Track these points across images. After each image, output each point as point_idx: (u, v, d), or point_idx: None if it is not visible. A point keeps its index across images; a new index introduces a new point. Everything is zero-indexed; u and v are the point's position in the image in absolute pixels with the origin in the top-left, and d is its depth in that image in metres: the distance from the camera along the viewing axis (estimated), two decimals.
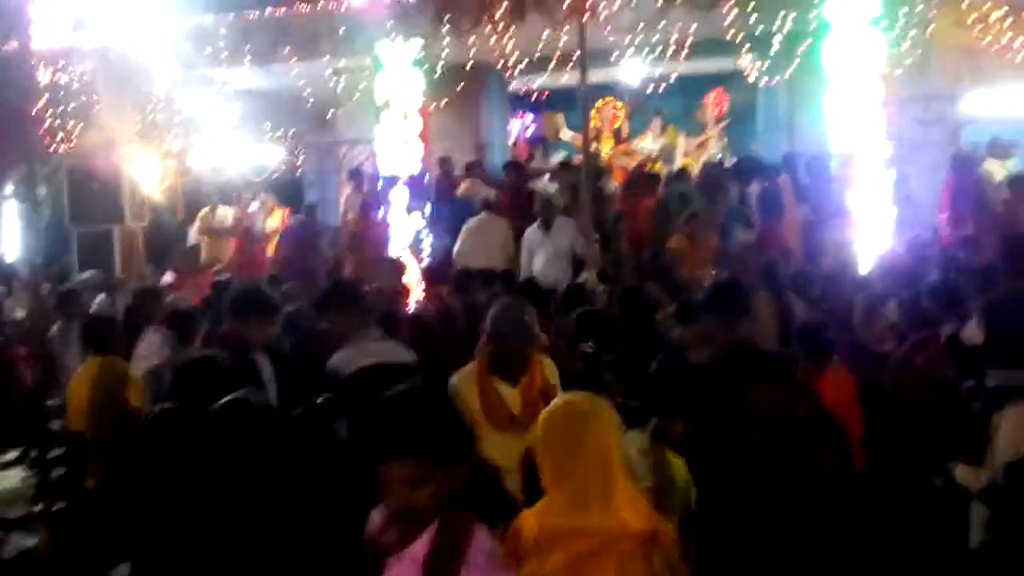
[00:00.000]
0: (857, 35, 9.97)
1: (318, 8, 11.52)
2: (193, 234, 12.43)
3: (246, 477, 3.24)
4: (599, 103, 16.58)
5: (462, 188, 11.43)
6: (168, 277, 9.68)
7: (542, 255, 8.93)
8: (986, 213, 9.65)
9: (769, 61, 11.66)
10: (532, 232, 9.09)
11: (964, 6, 10.08)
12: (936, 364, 4.50)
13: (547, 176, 12.26)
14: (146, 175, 12.46)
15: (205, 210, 12.25)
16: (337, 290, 5.06)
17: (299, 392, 4.62)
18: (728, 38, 10.87)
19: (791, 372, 4.07)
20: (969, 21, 10.22)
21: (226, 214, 12.27)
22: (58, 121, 12.11)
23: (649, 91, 14.51)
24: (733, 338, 4.38)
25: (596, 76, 13.30)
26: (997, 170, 10.56)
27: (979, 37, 10.21)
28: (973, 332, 4.21)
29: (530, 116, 16.74)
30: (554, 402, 2.57)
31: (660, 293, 6.81)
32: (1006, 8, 9.97)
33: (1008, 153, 11.01)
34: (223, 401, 3.44)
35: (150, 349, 6.31)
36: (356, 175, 11.68)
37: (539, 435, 2.45)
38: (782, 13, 10.34)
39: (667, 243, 8.92)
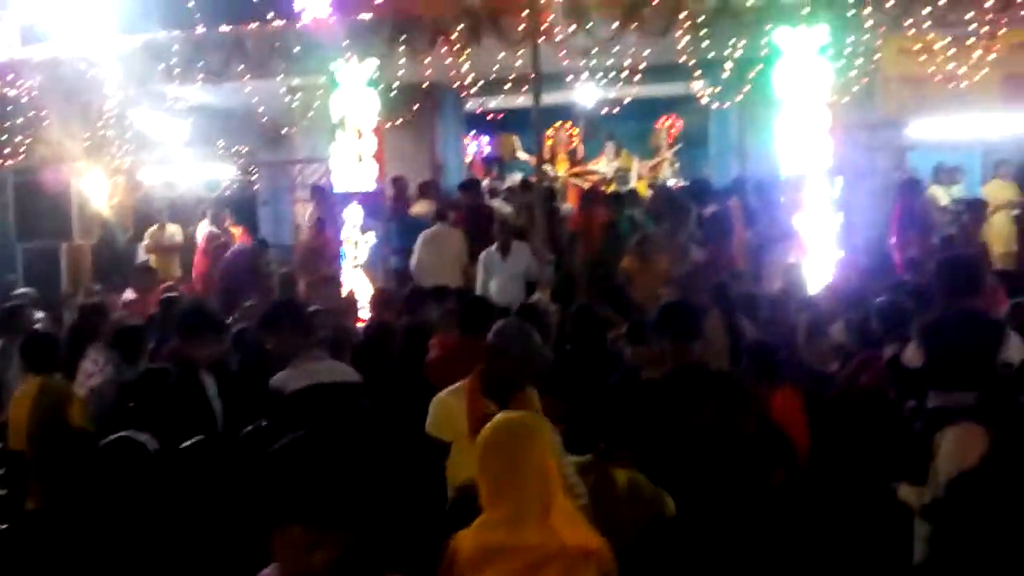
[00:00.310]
0: (806, 63, 10.22)
1: (272, 26, 11.46)
2: (142, 251, 12.25)
3: (139, 507, 3.18)
4: (555, 125, 16.72)
5: (416, 207, 11.41)
6: (129, 294, 9.53)
7: (499, 278, 8.92)
8: (931, 236, 9.89)
9: (720, 86, 11.88)
10: (489, 255, 9.07)
11: (909, 35, 10.33)
12: (879, 385, 4.57)
13: (501, 196, 12.29)
14: (95, 191, 12.27)
15: (154, 227, 12.08)
16: (280, 310, 5.02)
17: (244, 411, 4.59)
18: (681, 63, 11.06)
19: (741, 391, 4.13)
20: (915, 49, 10.48)
21: (175, 231, 12.12)
22: (4, 136, 11.91)
23: (603, 114, 14.69)
24: (684, 359, 4.42)
25: (551, 98, 13.40)
26: (941, 195, 10.84)
27: (924, 66, 10.48)
28: (912, 354, 4.29)
29: (486, 137, 16.81)
30: (493, 420, 2.55)
31: (612, 313, 6.87)
32: (949, 38, 10.25)
33: (952, 179, 11.32)
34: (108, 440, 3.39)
35: (94, 367, 6.18)
36: (317, 192, 11.60)
37: (478, 453, 2.43)
38: (733, 40, 10.50)
39: (619, 264, 8.99)
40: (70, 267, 11.78)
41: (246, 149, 13.58)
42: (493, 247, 8.96)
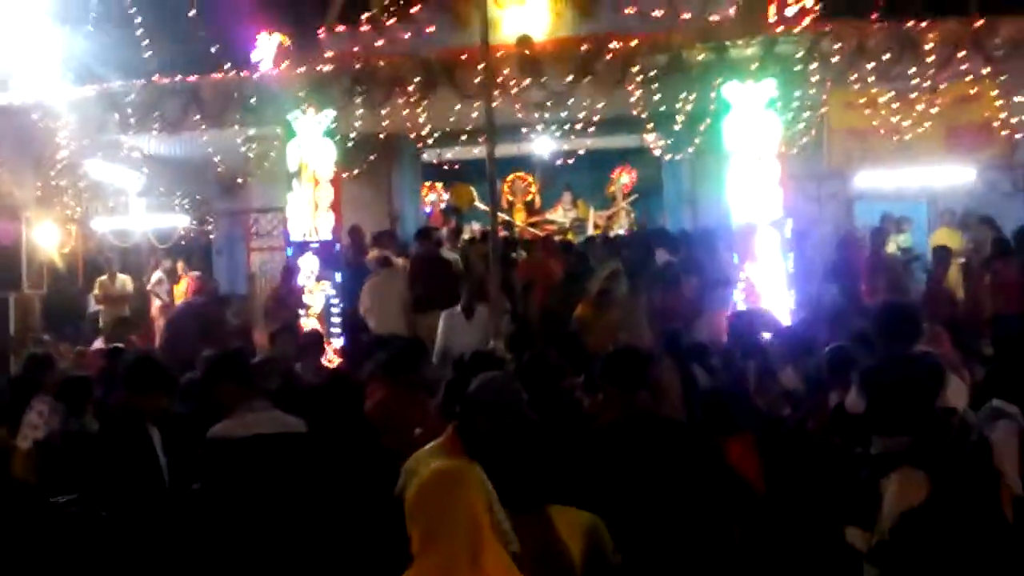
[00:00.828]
0: (755, 116, 10.47)
1: (229, 76, 11.48)
2: (91, 301, 12.09)
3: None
4: (511, 176, 16.91)
5: (371, 255, 11.40)
6: (99, 343, 9.39)
7: (461, 341, 8.72)
8: (878, 284, 10.07)
9: (672, 139, 12.11)
10: (453, 316, 8.85)
11: (854, 89, 10.63)
12: (825, 430, 4.63)
13: (453, 245, 12.27)
14: (46, 241, 12.11)
15: (103, 277, 11.92)
16: (222, 361, 4.97)
17: (188, 463, 4.52)
18: (634, 116, 11.26)
19: (692, 439, 4.15)
20: (860, 103, 10.79)
21: (125, 281, 11.98)
22: None
23: (560, 165, 14.89)
24: (631, 407, 4.42)
25: (507, 150, 13.64)
26: (888, 244, 11.07)
27: (869, 119, 10.78)
28: (853, 400, 4.35)
29: (441, 186, 16.93)
30: (425, 470, 2.53)
31: (565, 363, 6.87)
32: (893, 93, 10.57)
33: (900, 228, 11.59)
34: None
35: (38, 419, 6.06)
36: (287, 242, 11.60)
37: (409, 503, 2.41)
38: (684, 94, 10.73)
39: (575, 312, 9.01)
40: (19, 317, 11.55)
41: (201, 199, 13.50)
42: (457, 308, 8.82)
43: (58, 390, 6.27)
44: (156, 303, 12.87)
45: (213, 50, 11.58)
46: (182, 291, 12.66)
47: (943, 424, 3.98)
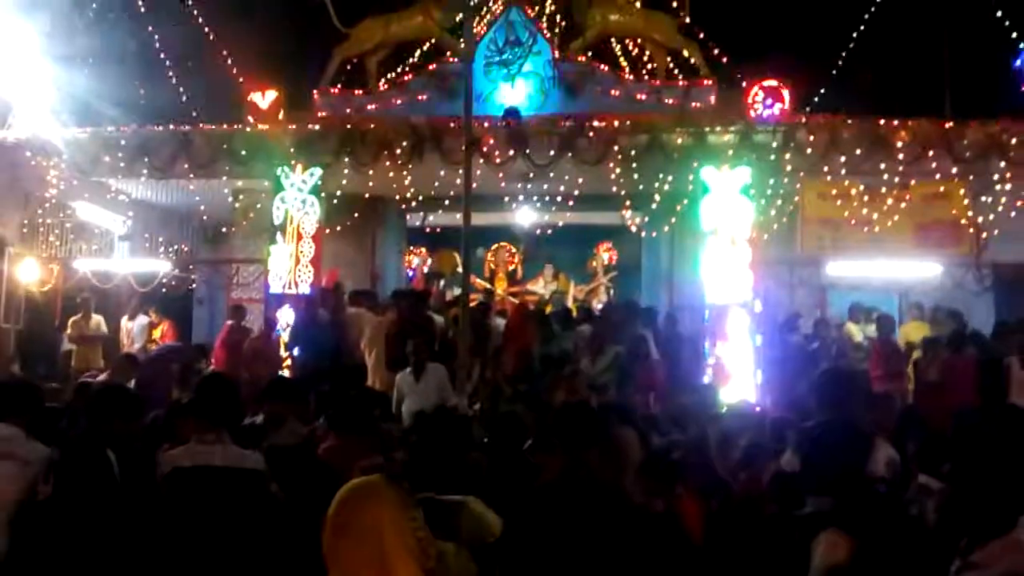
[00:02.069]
0: (730, 200, 10.78)
1: (221, 127, 11.73)
2: (65, 340, 12.10)
3: None
4: (495, 246, 17.16)
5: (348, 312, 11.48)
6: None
7: (410, 400, 8.71)
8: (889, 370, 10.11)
9: (650, 217, 12.38)
10: (403, 376, 8.87)
11: (827, 180, 10.96)
12: (763, 494, 4.73)
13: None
14: (27, 276, 12.19)
15: (77, 317, 11.96)
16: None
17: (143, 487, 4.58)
18: (614, 192, 11.54)
19: (625, 507, 4.23)
20: (832, 194, 11.11)
21: (99, 322, 12.02)
22: None
23: (543, 238, 15.15)
24: (576, 466, 4.44)
25: (492, 219, 13.90)
26: (856, 332, 11.26)
27: (841, 210, 11.09)
28: (789, 460, 4.48)
29: (424, 250, 17.12)
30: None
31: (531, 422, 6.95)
32: (863, 186, 10.90)
33: (869, 318, 11.77)
34: None
35: None
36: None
37: (325, 520, 2.43)
38: (662, 174, 11.03)
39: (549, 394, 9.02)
40: None
41: (185, 246, 13.64)
42: (408, 369, 8.82)
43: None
44: (135, 346, 12.84)
45: (207, 101, 11.85)
46: (157, 337, 12.70)
47: (867, 488, 4.09)
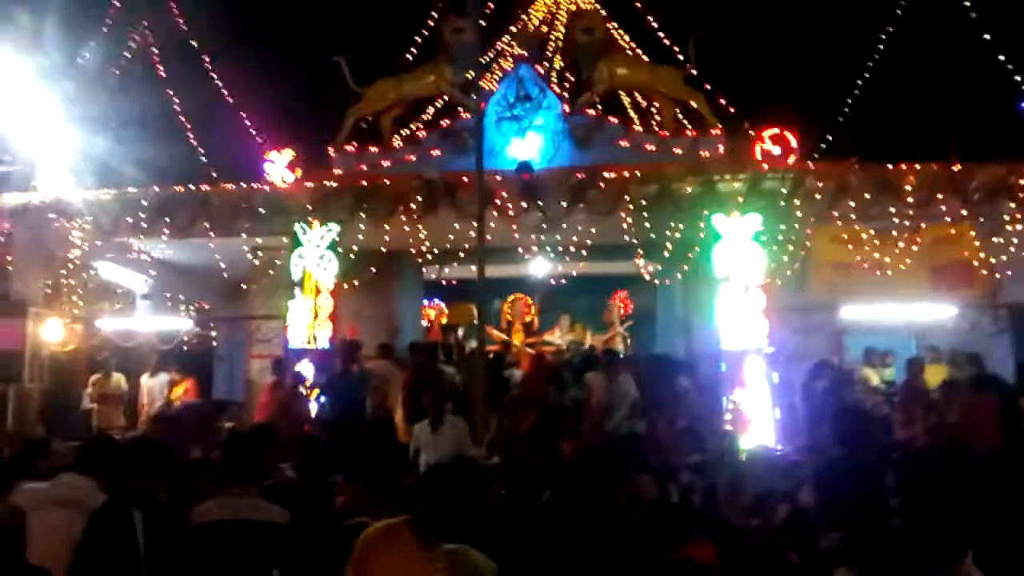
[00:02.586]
0: (742, 247, 10.87)
1: (240, 187, 11.99)
2: (85, 399, 12.24)
3: None
4: (511, 297, 17.28)
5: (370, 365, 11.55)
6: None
7: (427, 452, 8.73)
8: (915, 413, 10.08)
9: (662, 265, 12.47)
10: (421, 428, 8.86)
11: (837, 225, 11.03)
12: (778, 537, 4.75)
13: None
14: (51, 336, 12.39)
15: (98, 375, 12.12)
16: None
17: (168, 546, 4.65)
18: (627, 241, 11.66)
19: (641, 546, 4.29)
20: (844, 238, 11.17)
21: (120, 380, 12.17)
22: None
23: (559, 288, 15.25)
24: (596, 507, 4.55)
25: (505, 271, 14.02)
26: (872, 376, 11.24)
27: (852, 254, 11.14)
28: (806, 496, 4.52)
29: (443, 304, 17.24)
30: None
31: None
32: (873, 230, 10.96)
33: (884, 362, 11.76)
34: None
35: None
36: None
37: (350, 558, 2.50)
38: (673, 223, 11.15)
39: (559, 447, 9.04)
40: (16, 410, 11.71)
41: (207, 305, 13.82)
42: (426, 420, 8.72)
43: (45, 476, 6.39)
44: (156, 404, 12.96)
45: (226, 161, 12.13)
46: (179, 394, 12.82)
47: (880, 523, 4.12)
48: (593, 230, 11.51)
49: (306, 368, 11.31)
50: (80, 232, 11.93)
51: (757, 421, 10.50)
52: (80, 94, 12.26)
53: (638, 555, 4.26)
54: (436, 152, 12.62)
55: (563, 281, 14.37)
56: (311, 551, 4.82)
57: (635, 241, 11.53)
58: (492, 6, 15.86)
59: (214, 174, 12.43)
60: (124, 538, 4.63)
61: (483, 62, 10.63)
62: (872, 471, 4.36)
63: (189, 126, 13.11)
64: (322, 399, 10.75)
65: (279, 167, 12.17)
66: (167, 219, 11.85)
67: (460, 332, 15.63)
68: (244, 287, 12.94)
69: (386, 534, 2.48)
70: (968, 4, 11.91)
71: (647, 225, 11.16)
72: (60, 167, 11.94)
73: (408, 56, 13.66)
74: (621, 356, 11.85)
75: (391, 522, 2.55)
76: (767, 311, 10.90)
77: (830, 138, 12.20)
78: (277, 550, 4.59)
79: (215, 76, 13.30)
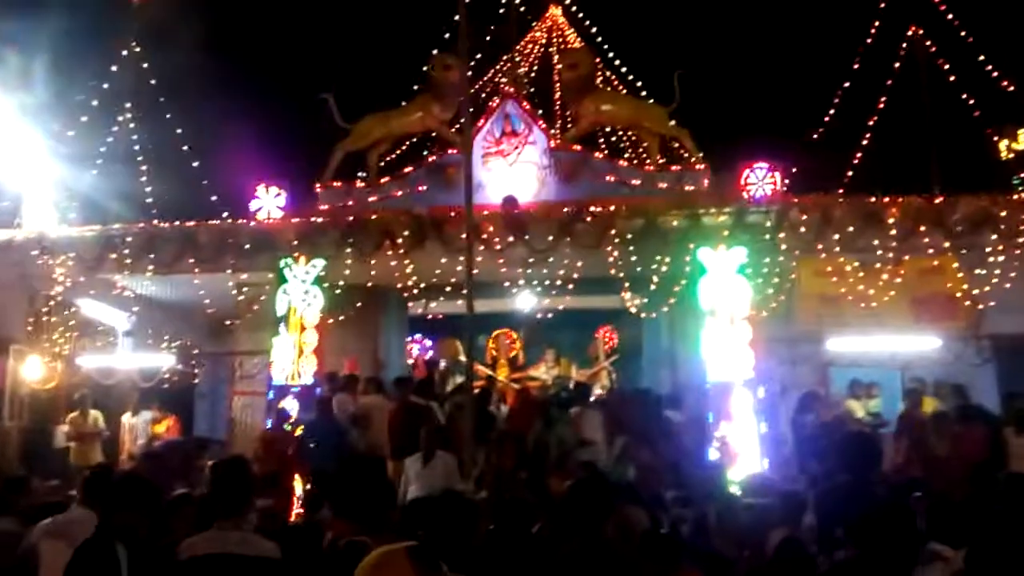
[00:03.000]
0: (727, 280, 10.92)
1: (225, 222, 11.95)
2: (61, 436, 12.08)
3: None
4: (496, 332, 17.26)
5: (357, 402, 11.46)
6: None
7: (416, 486, 8.72)
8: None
9: (648, 298, 12.49)
10: (412, 461, 8.93)
11: (822, 257, 11.10)
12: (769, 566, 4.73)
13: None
14: (31, 374, 12.24)
15: (75, 414, 11.96)
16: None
17: None
18: (613, 275, 11.68)
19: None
20: (828, 271, 11.24)
21: (97, 417, 12.02)
22: None
23: (544, 324, 15.24)
24: (589, 538, 4.53)
25: (492, 305, 14.00)
26: (857, 408, 11.26)
27: (837, 286, 11.21)
28: (809, 522, 4.51)
29: (428, 341, 17.20)
30: None
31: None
32: (857, 262, 11.05)
33: (869, 394, 11.78)
34: None
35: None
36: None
37: None
38: (659, 256, 11.19)
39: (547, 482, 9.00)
40: None
41: (188, 341, 13.71)
42: (418, 454, 8.81)
43: (30, 513, 6.28)
44: (139, 442, 12.78)
45: (213, 198, 12.09)
46: (161, 432, 12.67)
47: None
48: (580, 264, 11.54)
49: (291, 404, 11.22)
50: (63, 268, 11.82)
51: (744, 454, 10.47)
52: (64, 129, 12.22)
53: None
54: (422, 188, 12.66)
55: (550, 315, 14.38)
56: None
57: (621, 275, 11.56)
58: (482, 42, 16.01)
59: (199, 210, 12.38)
60: (106, 572, 4.56)
61: (472, 99, 10.69)
62: (877, 496, 4.36)
63: (174, 161, 13.10)
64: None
65: (266, 203, 12.14)
66: (152, 255, 11.76)
67: (442, 366, 15.58)
68: (228, 323, 12.84)
69: (385, 561, 2.45)
70: (949, 38, 12.15)
71: (633, 259, 11.19)
72: (44, 203, 11.87)
73: (397, 93, 13.73)
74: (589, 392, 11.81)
75: (390, 548, 2.52)
76: (753, 343, 10.92)
77: (814, 170, 12.32)
78: None
79: (201, 111, 13.33)
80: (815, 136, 13.02)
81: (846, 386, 11.65)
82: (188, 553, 4.31)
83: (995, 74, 12.56)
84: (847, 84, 13.23)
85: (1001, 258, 10.82)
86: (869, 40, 13.42)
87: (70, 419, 11.96)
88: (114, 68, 12.85)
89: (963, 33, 13.00)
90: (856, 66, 13.30)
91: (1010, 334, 11.59)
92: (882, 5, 13.47)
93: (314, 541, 5.63)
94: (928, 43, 13.38)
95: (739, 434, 10.59)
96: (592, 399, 11.47)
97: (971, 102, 12.52)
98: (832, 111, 13.21)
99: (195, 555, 4.28)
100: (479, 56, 15.77)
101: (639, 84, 15.08)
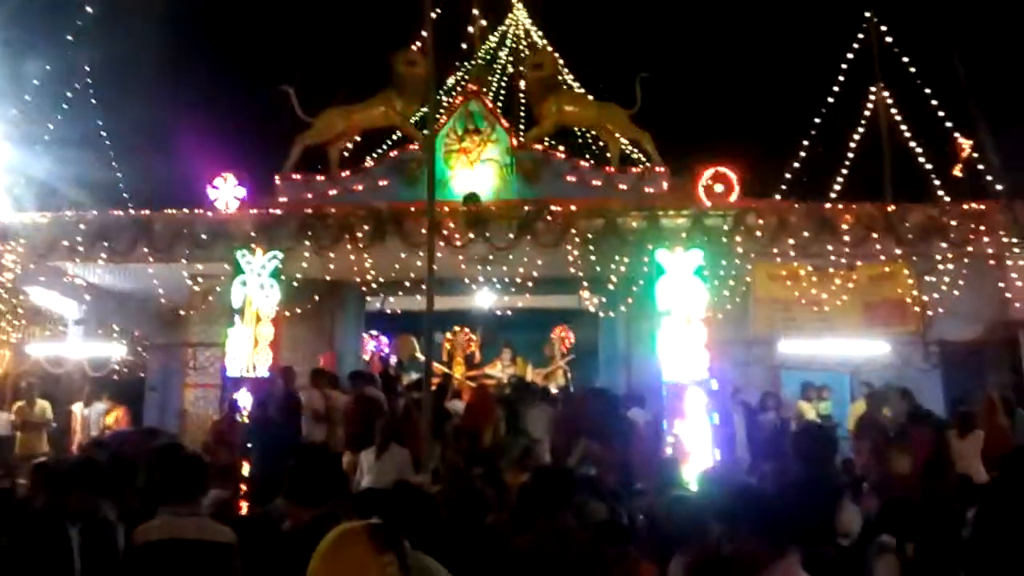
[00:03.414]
0: (684, 281, 11.04)
1: (183, 212, 11.79)
2: (5, 424, 11.82)
3: None
4: (454, 329, 17.25)
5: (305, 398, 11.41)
6: None
7: (369, 478, 8.77)
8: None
9: (606, 298, 12.59)
10: (367, 454, 8.98)
11: (777, 262, 11.28)
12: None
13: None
14: None
15: (21, 403, 11.72)
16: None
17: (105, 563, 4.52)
18: (571, 276, 11.75)
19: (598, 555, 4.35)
20: (782, 275, 11.42)
21: (45, 407, 11.79)
22: None
23: (501, 322, 15.27)
24: (552, 525, 4.57)
25: (450, 303, 14.00)
26: (808, 410, 11.47)
27: (791, 290, 11.40)
28: None
29: (384, 338, 17.14)
30: None
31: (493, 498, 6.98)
32: (811, 267, 11.25)
33: (820, 396, 12.01)
34: None
35: None
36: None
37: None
38: (618, 257, 11.28)
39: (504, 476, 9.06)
40: None
41: (139, 331, 13.51)
42: (372, 447, 8.87)
43: None
44: (92, 432, 12.56)
45: (168, 185, 11.93)
46: (110, 423, 12.47)
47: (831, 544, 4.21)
48: (539, 262, 11.59)
49: (244, 397, 11.11)
50: (14, 255, 11.57)
51: (697, 453, 10.60)
52: (18, 113, 11.98)
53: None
54: (384, 182, 12.61)
55: (508, 313, 14.41)
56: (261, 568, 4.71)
57: (580, 274, 11.64)
58: (447, 39, 15.99)
59: (155, 199, 12.20)
60: (51, 550, 4.51)
61: (436, 95, 10.70)
62: (831, 489, 4.45)
63: (131, 148, 12.92)
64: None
65: (224, 193, 11.98)
66: (105, 243, 11.55)
67: (393, 361, 15.54)
68: (182, 314, 12.68)
69: (345, 538, 2.46)
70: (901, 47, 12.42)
71: (592, 258, 11.27)
72: None
73: (360, 87, 13.66)
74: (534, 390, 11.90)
75: (350, 526, 2.53)
76: (708, 344, 11.05)
77: (771, 176, 12.52)
78: (223, 570, 4.48)
79: (160, 99, 13.16)
80: (774, 142, 13.24)
81: (798, 388, 11.86)
82: (143, 538, 4.26)
83: (948, 81, 12.88)
84: (805, 92, 13.50)
85: (951, 266, 11.09)
86: (826, 48, 13.69)
87: (16, 408, 11.70)
88: (70, 52, 12.63)
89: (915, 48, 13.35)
90: (814, 75, 13.56)
91: (957, 340, 11.90)
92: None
93: (272, 527, 5.59)
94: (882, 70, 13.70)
95: (692, 433, 10.72)
96: (538, 398, 11.51)
97: (925, 109, 12.81)
98: (791, 118, 13.46)
99: (150, 540, 4.23)
100: (444, 53, 15.75)
101: (600, 87, 15.21)
